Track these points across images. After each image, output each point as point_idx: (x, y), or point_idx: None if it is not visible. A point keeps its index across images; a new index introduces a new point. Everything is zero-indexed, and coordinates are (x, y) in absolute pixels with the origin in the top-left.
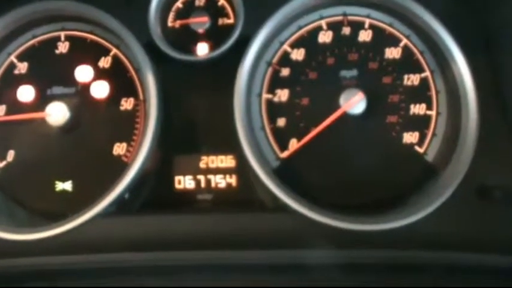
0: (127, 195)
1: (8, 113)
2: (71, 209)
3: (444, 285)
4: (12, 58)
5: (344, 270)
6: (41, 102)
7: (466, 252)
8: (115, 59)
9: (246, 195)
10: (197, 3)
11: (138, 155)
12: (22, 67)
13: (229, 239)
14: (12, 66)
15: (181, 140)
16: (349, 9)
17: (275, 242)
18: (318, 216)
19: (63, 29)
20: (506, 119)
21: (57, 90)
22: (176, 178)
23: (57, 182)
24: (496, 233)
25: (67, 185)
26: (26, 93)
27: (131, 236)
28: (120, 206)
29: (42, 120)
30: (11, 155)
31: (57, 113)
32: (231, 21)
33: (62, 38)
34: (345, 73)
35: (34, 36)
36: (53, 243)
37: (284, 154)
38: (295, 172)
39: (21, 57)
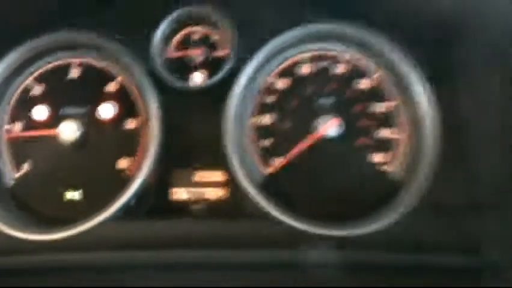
0: (131, 203)
1: (24, 129)
2: (79, 215)
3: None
4: (29, 80)
5: (319, 270)
6: (54, 120)
7: (423, 254)
8: (121, 84)
9: (234, 205)
10: (194, 36)
11: (140, 169)
12: (38, 89)
13: (217, 241)
14: (28, 87)
15: (178, 156)
16: (328, 45)
17: (257, 244)
18: (295, 223)
19: (75, 56)
20: (460, 144)
21: (69, 110)
22: (173, 190)
23: (67, 192)
24: (449, 238)
25: (76, 195)
26: (40, 112)
27: (135, 238)
28: (125, 213)
29: (55, 137)
30: (25, 166)
31: (68, 131)
32: (224, 53)
33: (74, 64)
34: (323, 101)
35: (49, 62)
36: (67, 243)
37: (268, 170)
38: (278, 186)
39: (37, 80)
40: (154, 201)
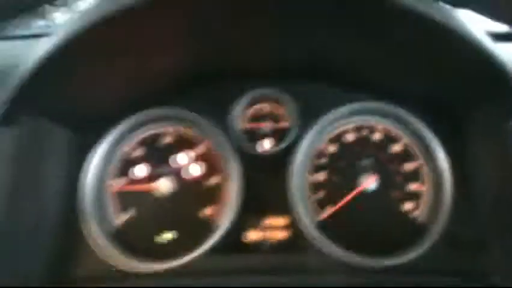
0: (216, 243)
1: (126, 184)
2: (173, 254)
3: None
4: (132, 145)
5: None
6: (152, 177)
7: (444, 277)
8: (206, 148)
9: (296, 243)
10: (264, 111)
11: (222, 216)
12: (139, 152)
13: (284, 271)
14: (131, 151)
15: (252, 205)
16: (367, 118)
17: (314, 272)
18: (345, 256)
19: (168, 127)
20: (471, 193)
21: (164, 169)
22: (248, 232)
23: (163, 234)
24: (463, 267)
25: (171, 236)
26: (140, 170)
27: (220, 269)
28: (211, 250)
29: (153, 190)
30: (128, 213)
31: (164, 186)
32: (287, 125)
33: (168, 133)
34: (364, 162)
35: (148, 130)
36: (164, 274)
37: (323, 216)
38: (330, 228)
39: (138, 145)
40: (232, 240)
